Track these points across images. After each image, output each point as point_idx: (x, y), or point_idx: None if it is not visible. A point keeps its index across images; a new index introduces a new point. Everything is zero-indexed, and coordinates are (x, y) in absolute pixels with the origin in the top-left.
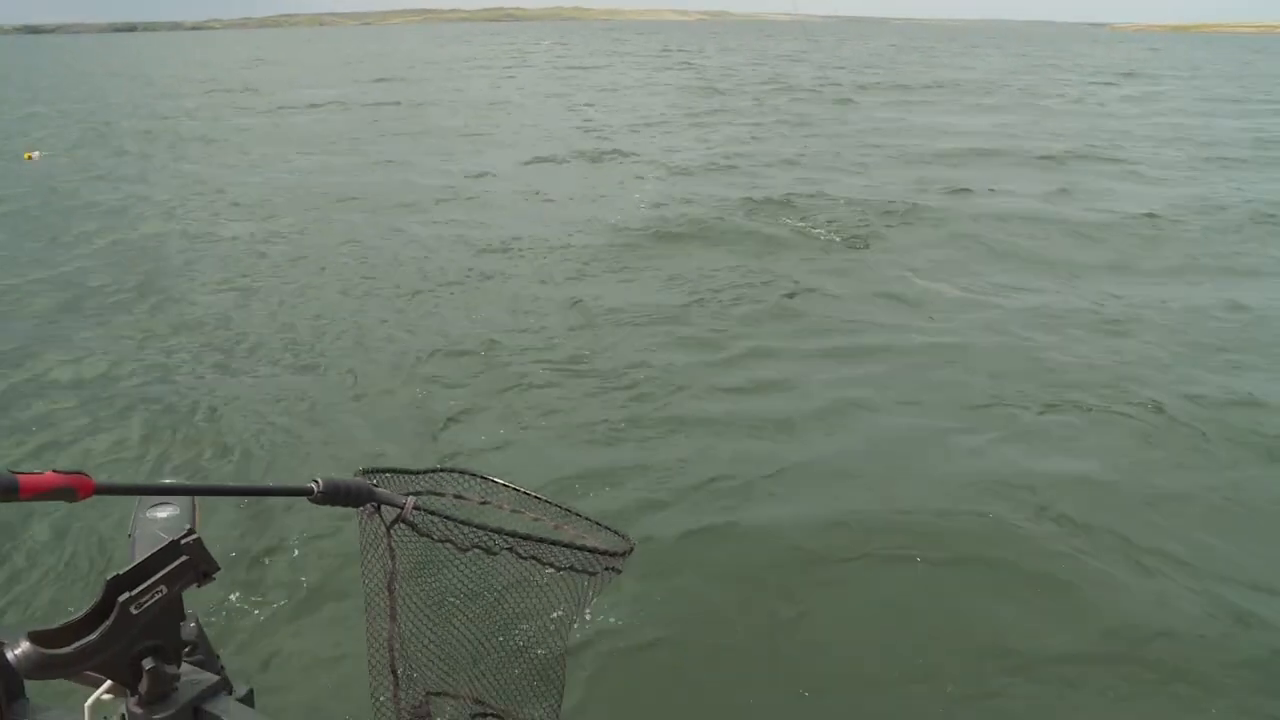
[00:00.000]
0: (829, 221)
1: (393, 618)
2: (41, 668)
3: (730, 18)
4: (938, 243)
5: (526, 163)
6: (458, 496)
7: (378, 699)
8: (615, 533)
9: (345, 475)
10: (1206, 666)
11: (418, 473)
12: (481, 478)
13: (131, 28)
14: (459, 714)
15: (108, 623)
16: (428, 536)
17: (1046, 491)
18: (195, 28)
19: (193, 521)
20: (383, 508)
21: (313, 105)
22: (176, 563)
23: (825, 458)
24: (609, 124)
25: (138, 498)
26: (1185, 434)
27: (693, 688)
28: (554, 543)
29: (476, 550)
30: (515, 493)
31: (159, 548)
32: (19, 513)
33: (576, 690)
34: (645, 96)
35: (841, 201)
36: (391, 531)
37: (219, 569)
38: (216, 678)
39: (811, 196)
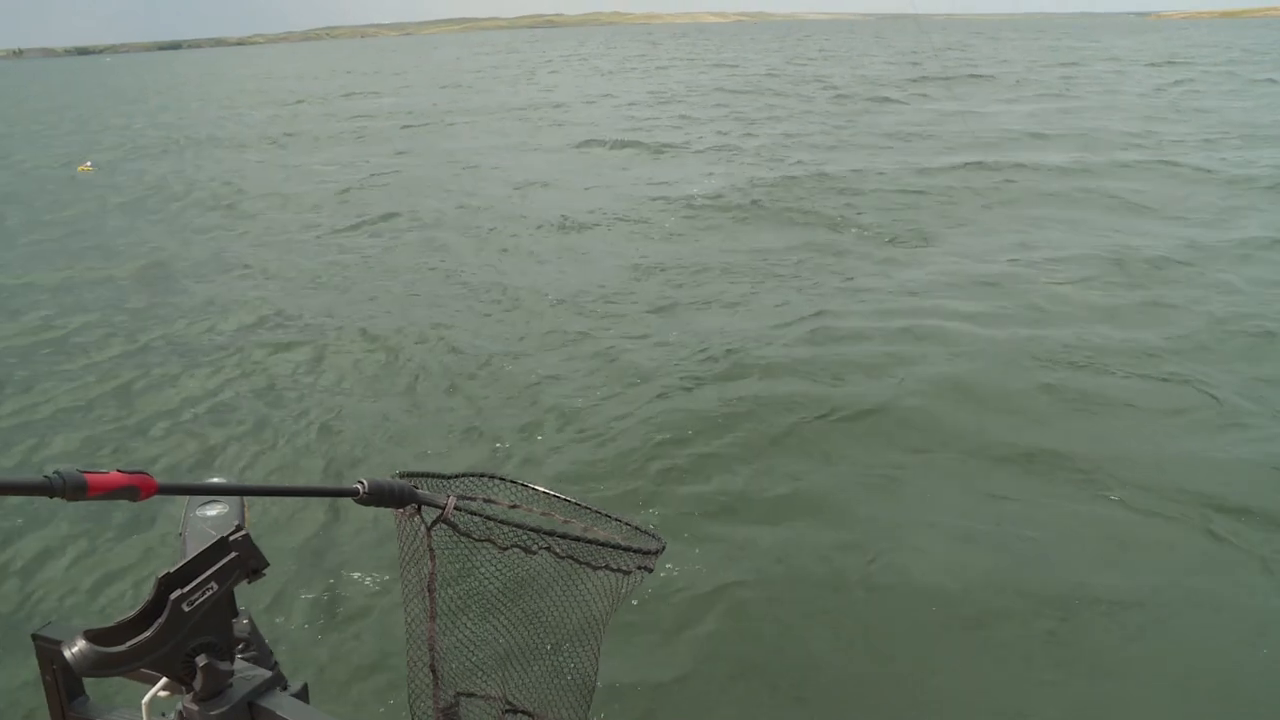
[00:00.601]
0: None
1: (432, 618)
2: (98, 666)
3: (769, 18)
4: None
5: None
6: (487, 500)
7: (415, 698)
8: (646, 532)
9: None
10: None
11: (452, 476)
12: (513, 482)
13: (176, 46)
14: (489, 714)
15: (160, 620)
16: (468, 536)
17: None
18: (239, 43)
19: (242, 519)
20: (423, 508)
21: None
22: (226, 559)
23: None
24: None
25: (187, 497)
26: None
27: (723, 692)
28: (590, 541)
29: (515, 550)
30: (546, 496)
31: (208, 545)
32: (76, 511)
33: (606, 691)
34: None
35: None
36: (432, 532)
37: (268, 565)
38: (270, 673)
39: None
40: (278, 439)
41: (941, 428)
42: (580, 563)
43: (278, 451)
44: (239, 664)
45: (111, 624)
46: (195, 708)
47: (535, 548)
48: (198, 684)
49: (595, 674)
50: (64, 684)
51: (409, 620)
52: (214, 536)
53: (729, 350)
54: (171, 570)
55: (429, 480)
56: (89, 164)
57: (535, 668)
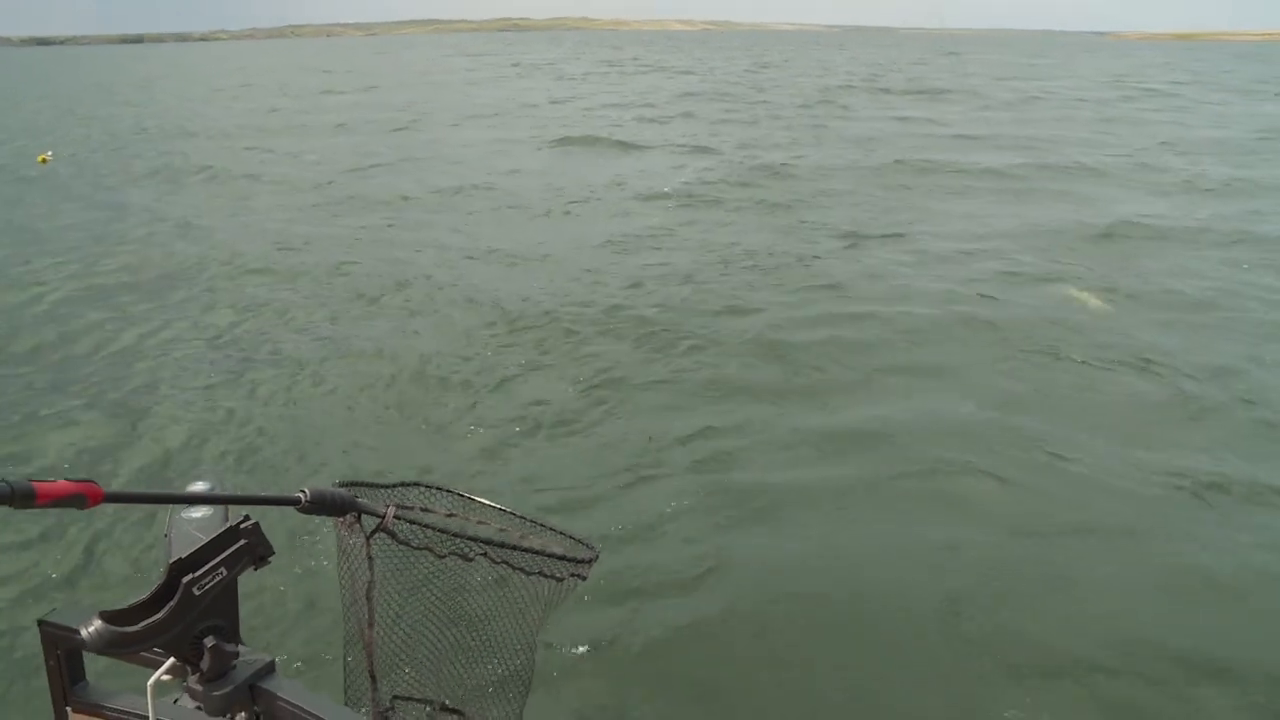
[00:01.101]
0: None
1: (370, 624)
2: (113, 644)
3: (735, 27)
4: None
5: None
6: (426, 509)
7: (352, 702)
8: (580, 541)
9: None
10: None
11: (391, 486)
12: (452, 492)
13: (139, 39)
14: (424, 716)
15: (172, 603)
16: (406, 544)
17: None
18: (202, 39)
19: (226, 520)
20: (363, 517)
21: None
22: (236, 546)
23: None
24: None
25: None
26: None
27: (656, 692)
28: (526, 550)
29: (453, 557)
30: (484, 506)
31: (220, 531)
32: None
33: (540, 694)
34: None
35: None
36: (371, 541)
37: (274, 553)
38: (271, 658)
39: None
40: (222, 447)
41: (901, 427)
42: (515, 569)
43: (223, 461)
44: (241, 648)
45: (125, 606)
46: (200, 689)
47: (472, 555)
48: (205, 664)
49: (530, 677)
50: (67, 669)
51: (347, 626)
52: (200, 539)
53: (670, 333)
54: (184, 556)
55: (370, 490)
56: (48, 154)
57: (471, 671)
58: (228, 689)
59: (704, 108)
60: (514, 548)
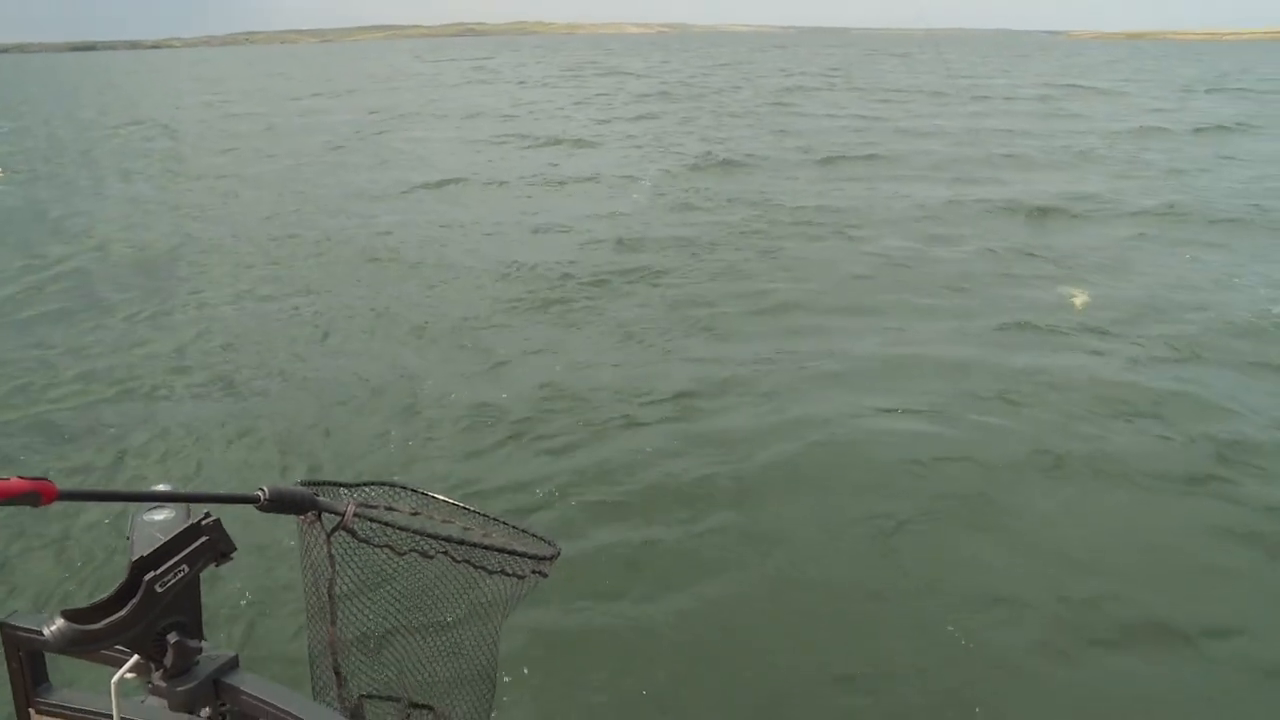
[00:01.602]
0: None
1: (332, 622)
2: (75, 643)
3: (692, 29)
4: None
5: None
6: (389, 508)
7: (319, 698)
8: (542, 539)
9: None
10: None
11: (355, 485)
12: (414, 491)
13: (91, 47)
14: (393, 713)
15: (135, 600)
16: (367, 542)
17: None
18: (155, 46)
19: (189, 518)
20: (324, 515)
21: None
22: (197, 543)
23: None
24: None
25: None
26: None
27: (623, 686)
28: (487, 548)
29: (413, 554)
30: (446, 504)
31: (182, 529)
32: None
33: (507, 689)
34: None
35: None
36: (331, 538)
37: (236, 549)
38: (234, 653)
39: None
40: (183, 447)
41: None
42: (476, 567)
43: (181, 459)
44: (204, 644)
45: (87, 605)
46: (164, 684)
47: (433, 552)
48: (168, 660)
49: (494, 671)
50: (30, 671)
51: (311, 625)
52: (161, 540)
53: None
54: (146, 554)
55: (333, 489)
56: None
57: (436, 667)
58: (191, 684)
59: (663, 107)
60: (475, 545)
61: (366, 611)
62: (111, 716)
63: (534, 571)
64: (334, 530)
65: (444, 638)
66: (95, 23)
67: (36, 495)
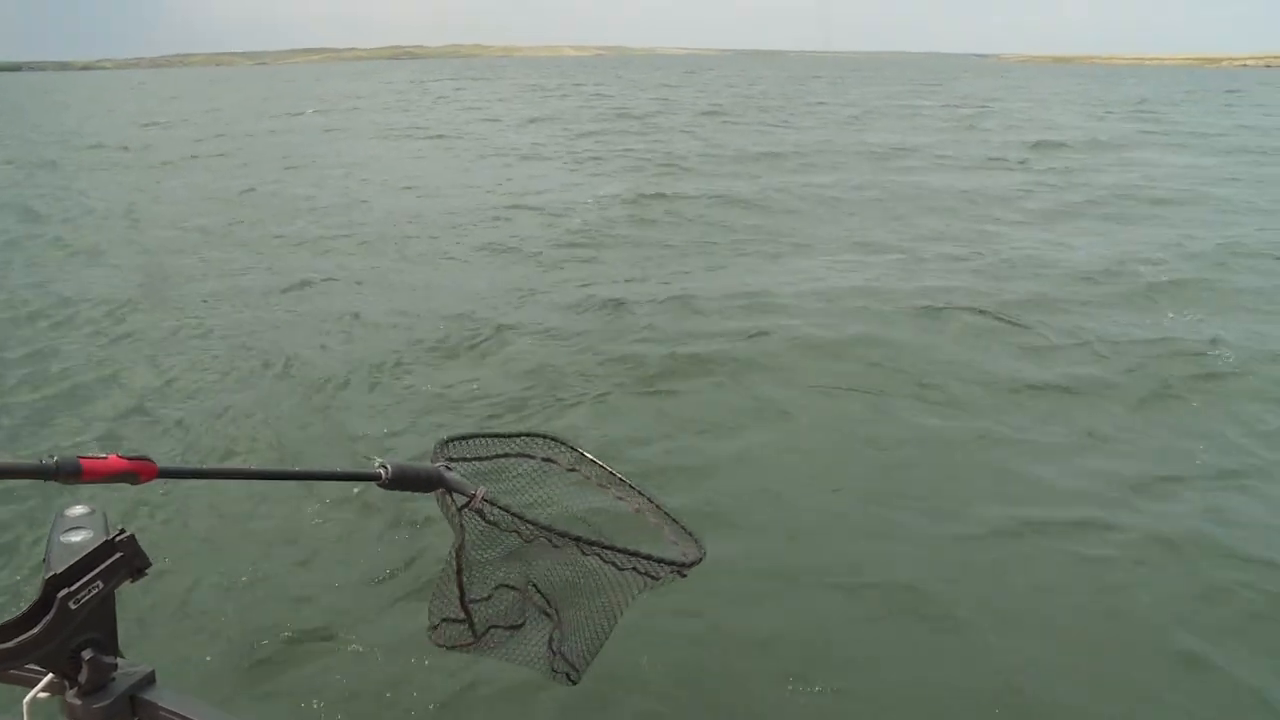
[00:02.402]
0: None
1: (460, 584)
2: None
3: (629, 52)
4: None
5: None
6: (547, 459)
7: (440, 627)
8: (690, 535)
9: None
10: None
11: (498, 436)
12: (571, 447)
13: (16, 68)
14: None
15: (48, 617)
16: (495, 525)
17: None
18: (85, 68)
19: (107, 534)
20: (454, 494)
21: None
22: (112, 559)
23: None
24: None
25: (52, 522)
26: None
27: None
28: (621, 550)
29: (541, 541)
30: (601, 469)
31: (97, 545)
32: None
33: (506, 689)
34: None
35: None
36: (462, 513)
37: (151, 564)
38: (150, 668)
39: None
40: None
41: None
42: (606, 562)
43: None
44: (120, 661)
45: None
46: (79, 703)
47: (559, 545)
48: (83, 678)
49: (605, 638)
50: None
51: (442, 577)
52: (76, 557)
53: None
54: (59, 571)
55: (472, 440)
56: None
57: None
58: (107, 701)
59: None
60: (606, 547)
61: (491, 568)
62: None
63: (671, 573)
64: (462, 508)
65: (561, 605)
66: (19, 42)
67: (135, 475)
